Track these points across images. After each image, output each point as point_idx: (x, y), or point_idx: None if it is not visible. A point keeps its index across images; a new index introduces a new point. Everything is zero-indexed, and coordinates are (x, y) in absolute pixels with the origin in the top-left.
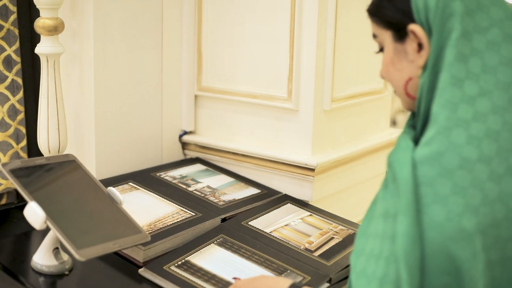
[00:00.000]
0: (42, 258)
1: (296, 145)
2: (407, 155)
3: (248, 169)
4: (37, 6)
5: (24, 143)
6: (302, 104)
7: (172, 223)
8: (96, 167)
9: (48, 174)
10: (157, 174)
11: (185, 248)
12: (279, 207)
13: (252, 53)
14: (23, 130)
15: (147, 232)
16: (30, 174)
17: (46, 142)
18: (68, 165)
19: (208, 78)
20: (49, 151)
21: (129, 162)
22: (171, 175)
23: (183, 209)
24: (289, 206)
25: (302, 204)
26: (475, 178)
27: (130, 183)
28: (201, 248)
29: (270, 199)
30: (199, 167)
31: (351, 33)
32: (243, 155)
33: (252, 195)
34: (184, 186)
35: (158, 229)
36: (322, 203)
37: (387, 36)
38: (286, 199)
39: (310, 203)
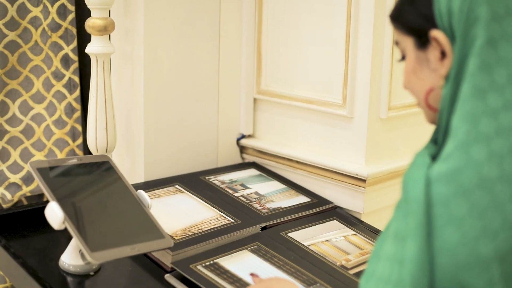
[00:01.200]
0: (69, 257)
1: (350, 154)
2: (421, 172)
3: (302, 176)
4: (88, 6)
5: (80, 140)
6: (357, 111)
7: (208, 229)
8: (144, 169)
9: (77, 174)
10: (206, 177)
11: (216, 251)
12: (324, 222)
13: (309, 57)
14: (79, 128)
15: (179, 237)
16: (59, 174)
17: (94, 141)
18: (101, 166)
19: (268, 81)
20: (97, 150)
21: (181, 164)
22: (221, 179)
23: (223, 215)
24: (334, 223)
25: (349, 222)
26: (495, 199)
27: (176, 186)
28: (233, 253)
29: (318, 209)
30: (253, 172)
31: None
32: (297, 162)
33: (301, 203)
34: (230, 191)
35: (191, 235)
36: (374, 216)
37: (409, 43)
38: (334, 214)
39: (361, 214)
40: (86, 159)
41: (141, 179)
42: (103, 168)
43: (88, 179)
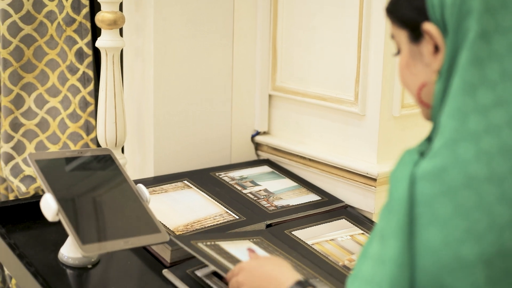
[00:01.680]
0: (68, 250)
1: (362, 153)
2: (406, 170)
3: (315, 174)
4: (98, 0)
5: (94, 134)
6: (369, 108)
7: (211, 225)
8: (154, 164)
9: (78, 167)
10: (217, 173)
11: (220, 235)
12: (332, 221)
13: (323, 53)
14: (93, 122)
15: (181, 233)
16: (58, 166)
17: (103, 134)
18: (102, 159)
19: (283, 78)
20: (106, 143)
21: (193, 160)
22: (231, 175)
23: (229, 211)
24: (343, 222)
25: (358, 221)
26: (482, 199)
27: (185, 181)
28: (235, 240)
29: (328, 208)
30: (265, 169)
31: None
32: (310, 160)
33: (310, 202)
34: (239, 188)
35: (193, 230)
36: None
37: (403, 36)
38: (343, 213)
39: (373, 214)
40: (87, 152)
41: (151, 174)
42: (104, 162)
43: (88, 172)
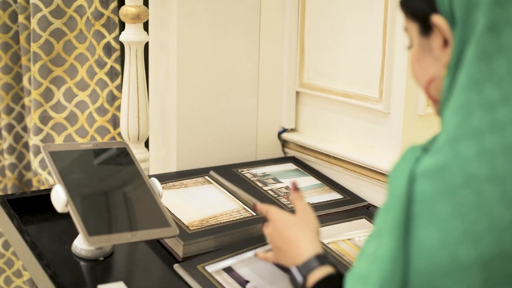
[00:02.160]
0: (81, 242)
1: (386, 151)
2: (405, 167)
3: (339, 172)
4: None
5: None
6: (393, 106)
7: (226, 221)
8: (177, 158)
9: (92, 159)
10: (239, 170)
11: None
12: (351, 220)
13: (349, 50)
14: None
15: (195, 228)
16: (73, 158)
17: (125, 129)
18: (116, 152)
19: (310, 75)
20: (129, 137)
21: (217, 156)
22: (254, 172)
23: (246, 208)
24: (363, 221)
25: None
26: (482, 200)
27: (206, 177)
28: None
29: (349, 207)
30: (289, 166)
31: None
32: (335, 158)
33: (331, 200)
34: (260, 185)
35: (208, 226)
36: None
37: (414, 29)
38: (365, 212)
39: None
40: (103, 145)
41: (174, 169)
42: (119, 155)
43: (102, 165)
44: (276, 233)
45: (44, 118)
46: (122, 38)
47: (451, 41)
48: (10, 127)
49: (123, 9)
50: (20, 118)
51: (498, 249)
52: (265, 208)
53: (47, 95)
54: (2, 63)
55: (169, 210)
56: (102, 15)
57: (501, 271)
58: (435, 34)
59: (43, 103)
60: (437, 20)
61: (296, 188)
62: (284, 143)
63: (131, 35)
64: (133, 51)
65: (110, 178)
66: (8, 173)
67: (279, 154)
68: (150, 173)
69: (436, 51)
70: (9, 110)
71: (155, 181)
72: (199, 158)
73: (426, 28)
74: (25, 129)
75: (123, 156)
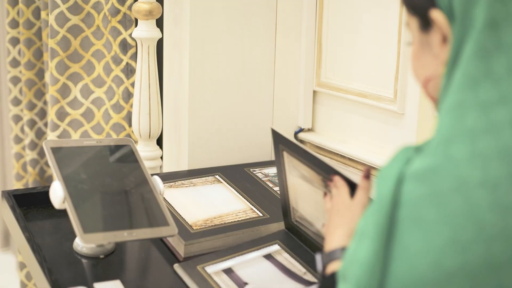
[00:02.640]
0: None
1: None
2: (395, 167)
3: (353, 174)
4: None
5: None
6: (408, 107)
7: (231, 221)
8: (188, 157)
9: (94, 156)
10: (251, 169)
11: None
12: None
13: (365, 49)
14: None
15: (198, 227)
16: (75, 155)
17: (137, 126)
18: (120, 149)
19: (327, 74)
20: (140, 135)
21: (231, 155)
22: (265, 172)
23: (254, 208)
24: None
25: None
26: (472, 206)
27: (217, 176)
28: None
29: None
30: None
31: None
32: (349, 159)
33: None
34: (271, 185)
35: (212, 226)
36: None
37: (414, 24)
38: None
39: None
40: (106, 141)
41: (185, 167)
42: (122, 152)
43: (104, 162)
44: (328, 213)
45: (61, 115)
46: (134, 34)
47: (450, 37)
48: (32, 123)
49: (135, 6)
50: (42, 114)
51: (486, 259)
52: (337, 183)
53: (64, 91)
54: (25, 59)
55: (174, 209)
56: (118, 11)
57: (488, 282)
58: (434, 30)
59: (60, 99)
60: (436, 15)
61: (367, 176)
62: (301, 143)
63: (144, 31)
64: (145, 47)
65: (112, 175)
66: (29, 168)
67: None
68: (164, 171)
69: (435, 48)
70: (31, 106)
71: (157, 179)
72: (211, 157)
73: (425, 24)
74: (47, 125)
75: (127, 153)
